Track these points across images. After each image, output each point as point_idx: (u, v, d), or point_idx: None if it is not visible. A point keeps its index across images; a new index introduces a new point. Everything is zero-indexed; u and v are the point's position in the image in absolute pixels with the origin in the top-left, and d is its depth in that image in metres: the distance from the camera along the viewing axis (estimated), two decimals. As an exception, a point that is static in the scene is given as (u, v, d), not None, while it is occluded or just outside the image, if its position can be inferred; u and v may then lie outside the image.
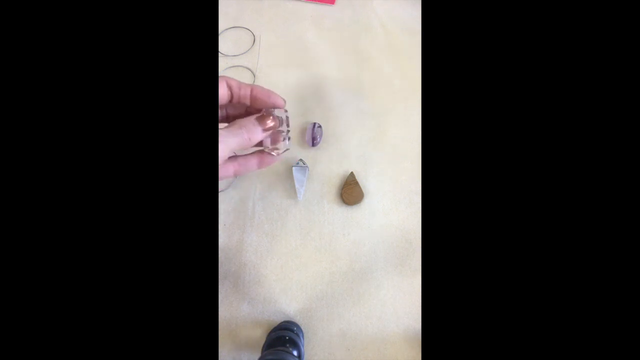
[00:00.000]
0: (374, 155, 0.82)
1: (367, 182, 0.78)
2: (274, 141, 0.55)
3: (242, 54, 0.94)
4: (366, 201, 0.76)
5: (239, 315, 0.66)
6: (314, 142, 0.81)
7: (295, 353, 0.55)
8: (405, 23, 1.04)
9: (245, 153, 0.53)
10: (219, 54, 0.93)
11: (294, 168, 0.76)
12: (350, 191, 0.75)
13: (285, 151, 0.56)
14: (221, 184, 0.76)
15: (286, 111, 0.55)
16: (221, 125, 0.44)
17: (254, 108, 0.50)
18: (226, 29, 0.99)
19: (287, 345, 0.56)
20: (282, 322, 0.64)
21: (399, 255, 0.72)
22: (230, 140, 0.39)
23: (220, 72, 0.90)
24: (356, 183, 0.76)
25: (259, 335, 0.64)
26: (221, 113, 0.51)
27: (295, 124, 0.83)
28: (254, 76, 0.90)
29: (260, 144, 0.53)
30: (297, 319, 0.66)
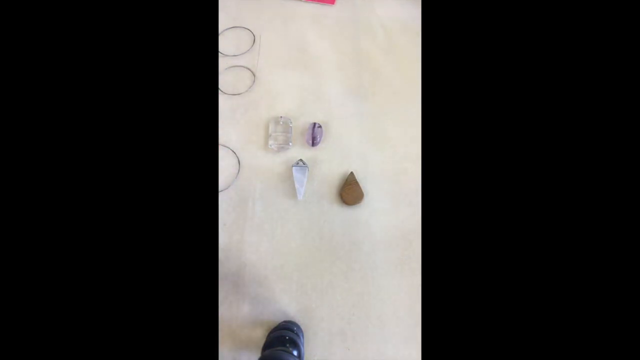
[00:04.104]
0: (374, 155, 0.82)
1: (367, 182, 0.78)
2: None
3: (242, 54, 0.94)
4: (366, 201, 0.76)
5: (239, 315, 0.66)
6: (314, 142, 0.82)
7: (295, 353, 0.55)
8: (405, 23, 1.04)
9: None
10: (219, 54, 0.93)
11: (293, 168, 0.76)
12: (350, 191, 0.75)
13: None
14: (221, 184, 0.76)
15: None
16: None
17: None
18: (226, 29, 0.99)
19: (287, 345, 0.56)
20: (282, 322, 0.64)
21: (399, 255, 0.72)
22: None
23: (220, 72, 0.90)
24: (356, 183, 0.76)
25: (259, 335, 0.64)
26: None
27: (295, 124, 0.83)
28: (254, 76, 0.90)
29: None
30: (297, 319, 0.66)
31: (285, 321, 0.65)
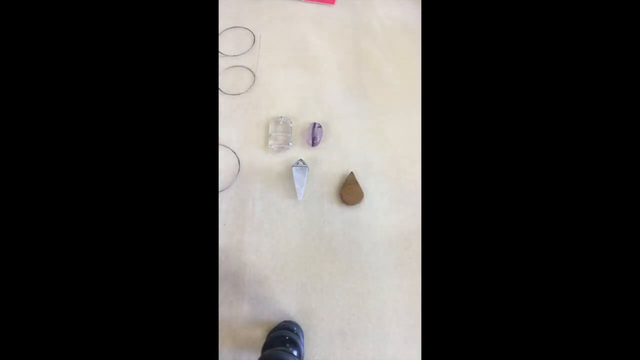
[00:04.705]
0: (374, 155, 0.82)
1: (367, 182, 0.78)
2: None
3: (242, 54, 0.94)
4: (366, 201, 0.76)
5: (239, 315, 0.66)
6: (314, 142, 0.82)
7: (295, 353, 0.55)
8: (405, 23, 1.04)
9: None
10: (219, 54, 0.93)
11: (294, 168, 0.76)
12: (350, 191, 0.75)
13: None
14: (221, 184, 0.76)
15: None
16: None
17: None
18: (226, 29, 0.99)
19: (287, 345, 0.56)
20: (282, 322, 0.64)
21: (399, 255, 0.72)
22: None
23: (220, 72, 0.90)
24: (356, 183, 0.76)
25: (259, 335, 0.64)
26: None
27: (295, 124, 0.84)
28: (254, 76, 0.90)
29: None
30: (297, 319, 0.66)
31: (285, 321, 0.65)
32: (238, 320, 0.65)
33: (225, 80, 0.90)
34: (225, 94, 0.87)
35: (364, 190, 0.77)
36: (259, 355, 0.59)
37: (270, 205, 0.75)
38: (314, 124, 0.83)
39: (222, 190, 0.75)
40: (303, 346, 0.61)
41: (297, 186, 0.75)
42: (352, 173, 0.78)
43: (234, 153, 0.79)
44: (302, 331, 0.64)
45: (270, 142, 0.80)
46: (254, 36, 0.97)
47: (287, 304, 0.67)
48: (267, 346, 0.57)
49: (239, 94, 0.87)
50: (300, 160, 0.77)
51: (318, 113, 0.86)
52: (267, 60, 0.94)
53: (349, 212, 0.75)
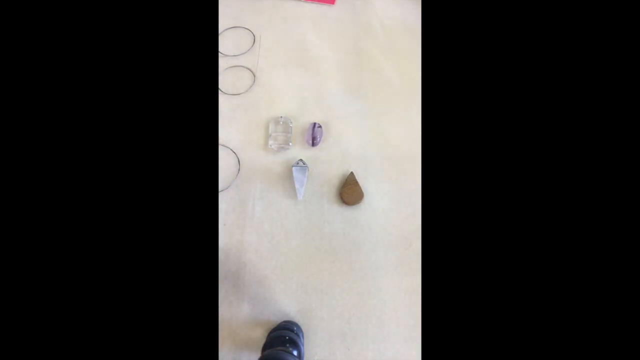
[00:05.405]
0: (374, 155, 0.82)
1: (367, 182, 0.78)
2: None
3: (242, 54, 0.94)
4: (366, 201, 0.76)
5: (239, 315, 0.66)
6: (314, 142, 0.82)
7: (295, 353, 0.55)
8: (405, 23, 1.04)
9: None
10: (219, 54, 0.93)
11: (294, 168, 0.76)
12: (350, 191, 0.75)
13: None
14: (221, 184, 0.76)
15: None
16: None
17: None
18: (226, 29, 0.99)
19: (287, 345, 0.56)
20: (282, 322, 0.64)
21: (399, 255, 0.72)
22: None
23: (220, 72, 0.90)
24: (356, 183, 0.76)
25: (259, 335, 0.64)
26: None
27: (295, 124, 0.84)
28: (254, 76, 0.90)
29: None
30: (297, 319, 0.66)
31: (285, 321, 0.65)
32: (238, 320, 0.65)
33: (225, 80, 0.90)
34: (225, 94, 0.87)
35: (364, 190, 0.77)
36: (259, 355, 0.59)
37: (270, 205, 0.75)
38: (314, 124, 0.83)
39: (222, 190, 0.75)
40: (303, 346, 0.61)
41: (297, 186, 0.75)
42: (352, 173, 0.78)
43: (234, 153, 0.79)
44: (302, 331, 0.64)
45: (270, 142, 0.80)
46: (254, 36, 0.97)
47: (287, 304, 0.67)
48: (267, 346, 0.57)
49: (239, 94, 0.87)
50: (300, 160, 0.77)
51: (318, 113, 0.86)
52: (267, 60, 0.94)
53: (349, 212, 0.75)
